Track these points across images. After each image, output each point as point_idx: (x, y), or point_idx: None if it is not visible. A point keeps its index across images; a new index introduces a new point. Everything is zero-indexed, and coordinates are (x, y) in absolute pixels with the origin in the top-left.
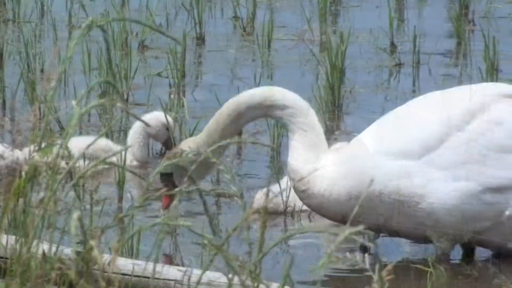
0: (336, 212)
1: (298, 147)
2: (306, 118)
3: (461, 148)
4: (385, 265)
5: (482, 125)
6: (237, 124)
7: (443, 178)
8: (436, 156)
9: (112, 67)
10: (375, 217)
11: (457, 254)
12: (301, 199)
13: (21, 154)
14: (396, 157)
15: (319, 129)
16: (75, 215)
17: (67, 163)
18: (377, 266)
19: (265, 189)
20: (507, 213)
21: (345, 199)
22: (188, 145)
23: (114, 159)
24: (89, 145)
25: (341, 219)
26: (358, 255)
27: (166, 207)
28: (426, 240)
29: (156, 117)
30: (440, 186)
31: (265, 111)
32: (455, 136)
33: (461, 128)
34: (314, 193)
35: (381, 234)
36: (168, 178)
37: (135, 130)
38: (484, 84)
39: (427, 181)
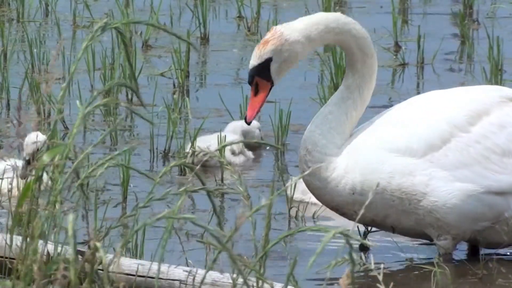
0: (332, 200)
1: (331, 121)
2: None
3: (465, 149)
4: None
5: (486, 128)
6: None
7: (446, 177)
8: (440, 156)
9: (133, 66)
10: (373, 212)
11: (461, 253)
12: (302, 170)
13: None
14: (400, 154)
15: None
16: (71, 216)
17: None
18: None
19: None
20: (506, 214)
21: (348, 193)
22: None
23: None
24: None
25: (334, 207)
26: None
27: (252, 113)
28: (422, 236)
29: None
30: (442, 185)
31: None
32: (459, 136)
33: (466, 129)
34: (321, 177)
35: (373, 229)
36: (260, 71)
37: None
38: (489, 86)
39: (430, 179)
